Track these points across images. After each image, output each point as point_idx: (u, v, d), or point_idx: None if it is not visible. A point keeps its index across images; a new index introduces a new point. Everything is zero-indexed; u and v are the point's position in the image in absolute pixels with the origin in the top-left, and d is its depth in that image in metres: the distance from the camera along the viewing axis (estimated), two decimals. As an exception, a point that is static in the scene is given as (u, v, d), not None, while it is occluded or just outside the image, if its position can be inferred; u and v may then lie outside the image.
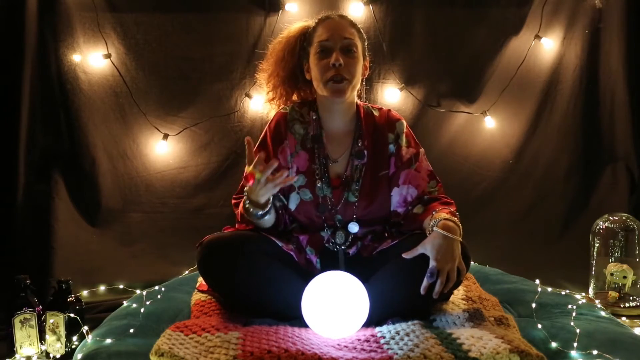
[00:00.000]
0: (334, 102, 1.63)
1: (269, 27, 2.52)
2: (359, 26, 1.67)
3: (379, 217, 1.67)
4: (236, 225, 1.66)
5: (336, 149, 1.67)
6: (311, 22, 1.70)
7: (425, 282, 1.41)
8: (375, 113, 1.71)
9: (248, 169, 1.42)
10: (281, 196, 1.64)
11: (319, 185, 1.63)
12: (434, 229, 1.45)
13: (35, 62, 2.34)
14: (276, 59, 1.71)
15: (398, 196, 1.64)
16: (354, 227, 1.63)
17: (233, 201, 1.69)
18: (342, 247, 1.63)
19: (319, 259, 1.63)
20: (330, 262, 1.63)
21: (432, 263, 1.40)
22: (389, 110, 1.73)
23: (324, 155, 1.65)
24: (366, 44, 1.69)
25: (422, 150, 1.69)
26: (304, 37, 1.69)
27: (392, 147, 1.67)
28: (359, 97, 1.76)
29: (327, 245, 1.64)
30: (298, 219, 1.66)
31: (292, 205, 1.64)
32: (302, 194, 1.64)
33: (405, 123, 1.71)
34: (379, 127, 1.68)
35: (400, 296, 1.46)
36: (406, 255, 1.44)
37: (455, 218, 1.50)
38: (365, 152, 1.65)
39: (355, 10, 2.54)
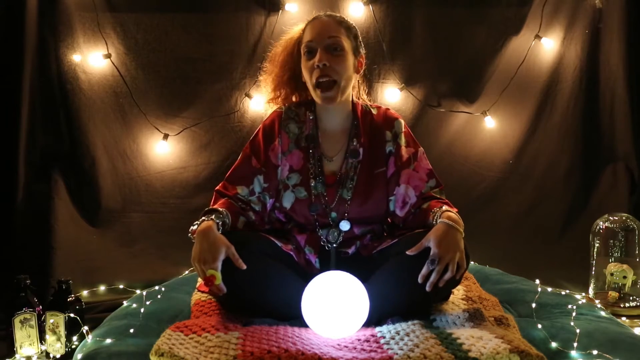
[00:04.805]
0: (323, 106, 1.65)
1: (269, 27, 2.52)
2: (351, 23, 1.67)
3: (375, 216, 1.68)
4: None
5: (332, 147, 1.68)
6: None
7: (424, 270, 1.40)
8: (374, 111, 1.72)
9: (214, 272, 1.41)
10: (266, 197, 1.65)
11: (312, 184, 1.64)
12: (438, 220, 1.46)
13: (35, 62, 2.34)
14: (277, 62, 1.73)
15: (398, 196, 1.65)
16: (345, 225, 1.64)
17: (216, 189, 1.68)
18: (334, 245, 1.64)
19: (317, 258, 1.63)
20: (329, 261, 1.64)
21: (433, 250, 1.40)
22: (387, 108, 1.74)
23: (319, 153, 1.67)
24: (359, 40, 1.69)
25: (421, 149, 1.70)
26: (301, 39, 1.69)
27: (390, 145, 1.67)
28: (359, 96, 1.77)
29: (322, 244, 1.65)
30: (293, 217, 1.67)
31: (287, 204, 1.65)
32: (297, 192, 1.65)
33: (403, 122, 1.71)
34: (376, 125, 1.69)
35: (400, 295, 1.46)
36: (411, 252, 1.44)
37: (457, 211, 1.52)
38: (361, 150, 1.66)
39: (355, 10, 2.54)
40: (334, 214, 1.64)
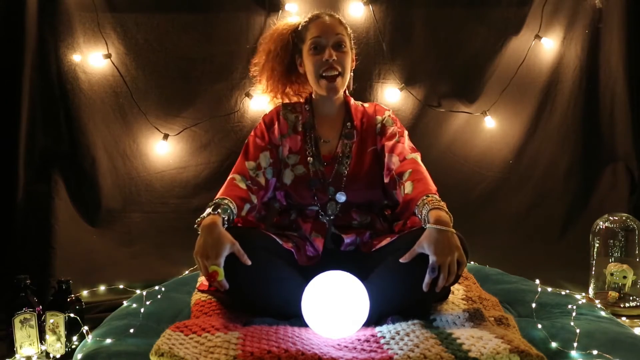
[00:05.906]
0: (328, 96, 1.76)
1: (269, 27, 2.52)
2: (345, 23, 1.80)
3: (371, 192, 1.75)
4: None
5: (327, 131, 1.80)
6: (300, 20, 1.83)
7: (427, 279, 1.41)
8: (365, 105, 1.85)
9: (217, 268, 1.42)
10: (270, 172, 1.73)
11: (310, 161, 1.73)
12: (427, 226, 1.45)
13: (35, 62, 2.34)
14: (270, 54, 1.83)
15: (385, 166, 1.72)
16: (341, 197, 1.72)
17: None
18: (332, 217, 1.72)
19: (323, 243, 1.68)
20: (333, 249, 1.71)
21: (432, 258, 1.40)
22: (377, 103, 1.88)
23: (316, 137, 1.77)
24: (352, 36, 1.82)
25: (406, 132, 1.80)
26: (295, 32, 1.81)
27: (379, 127, 1.79)
28: (349, 90, 1.86)
29: (319, 217, 1.72)
30: (293, 197, 1.74)
31: (287, 181, 1.74)
32: (296, 170, 1.74)
33: (391, 112, 1.85)
34: (367, 113, 1.83)
35: (400, 293, 1.46)
36: (403, 260, 1.44)
37: (443, 203, 1.49)
38: (355, 132, 1.78)
39: (355, 10, 2.54)
40: (332, 189, 1.72)
